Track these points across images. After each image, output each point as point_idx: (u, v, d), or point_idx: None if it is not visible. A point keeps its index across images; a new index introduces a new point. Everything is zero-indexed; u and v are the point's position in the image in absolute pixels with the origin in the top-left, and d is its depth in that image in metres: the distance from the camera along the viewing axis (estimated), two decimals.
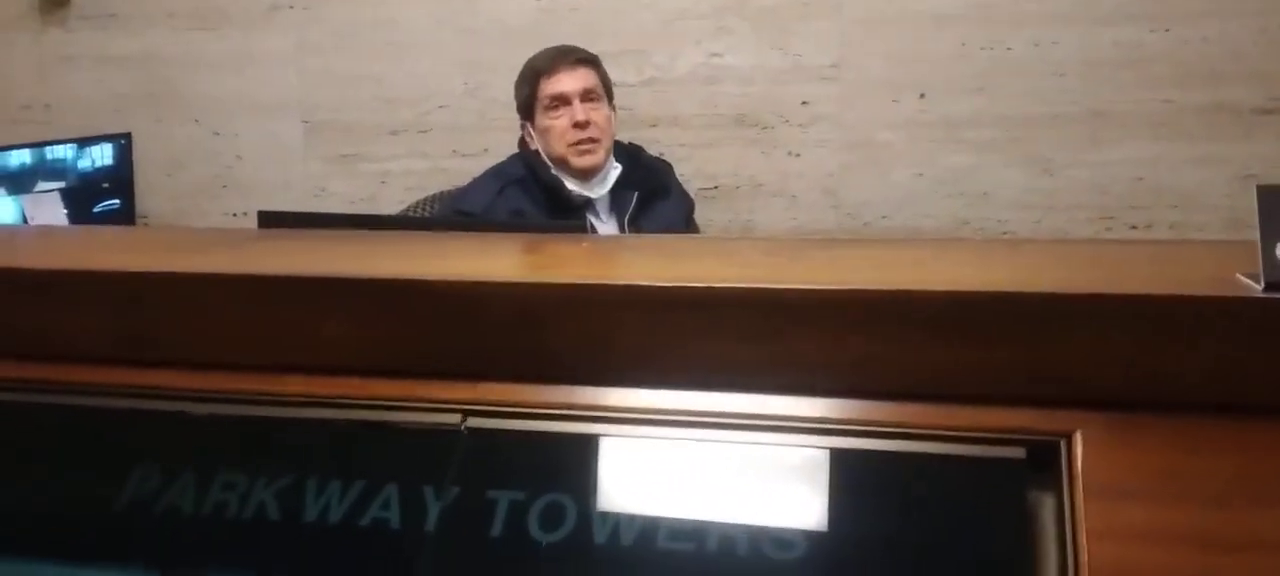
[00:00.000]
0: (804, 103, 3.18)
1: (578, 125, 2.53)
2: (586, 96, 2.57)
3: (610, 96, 2.65)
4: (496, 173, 2.65)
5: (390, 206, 3.25)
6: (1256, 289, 0.86)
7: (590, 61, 2.64)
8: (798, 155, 3.21)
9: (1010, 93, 3.07)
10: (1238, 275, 0.89)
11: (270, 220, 1.44)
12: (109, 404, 1.06)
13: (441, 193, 2.90)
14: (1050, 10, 3.02)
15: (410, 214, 2.89)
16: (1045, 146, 3.08)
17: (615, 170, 2.58)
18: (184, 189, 3.53)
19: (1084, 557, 0.82)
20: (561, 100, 2.56)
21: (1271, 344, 0.86)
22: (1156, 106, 3.01)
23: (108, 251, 1.25)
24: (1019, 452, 0.89)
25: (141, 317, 1.04)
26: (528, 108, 2.63)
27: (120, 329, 1.05)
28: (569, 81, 2.58)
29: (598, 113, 2.57)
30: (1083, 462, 0.86)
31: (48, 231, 2.27)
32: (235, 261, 1.10)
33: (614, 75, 2.73)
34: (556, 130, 2.54)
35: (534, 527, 0.92)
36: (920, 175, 3.16)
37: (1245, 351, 0.86)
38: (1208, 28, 2.95)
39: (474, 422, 0.98)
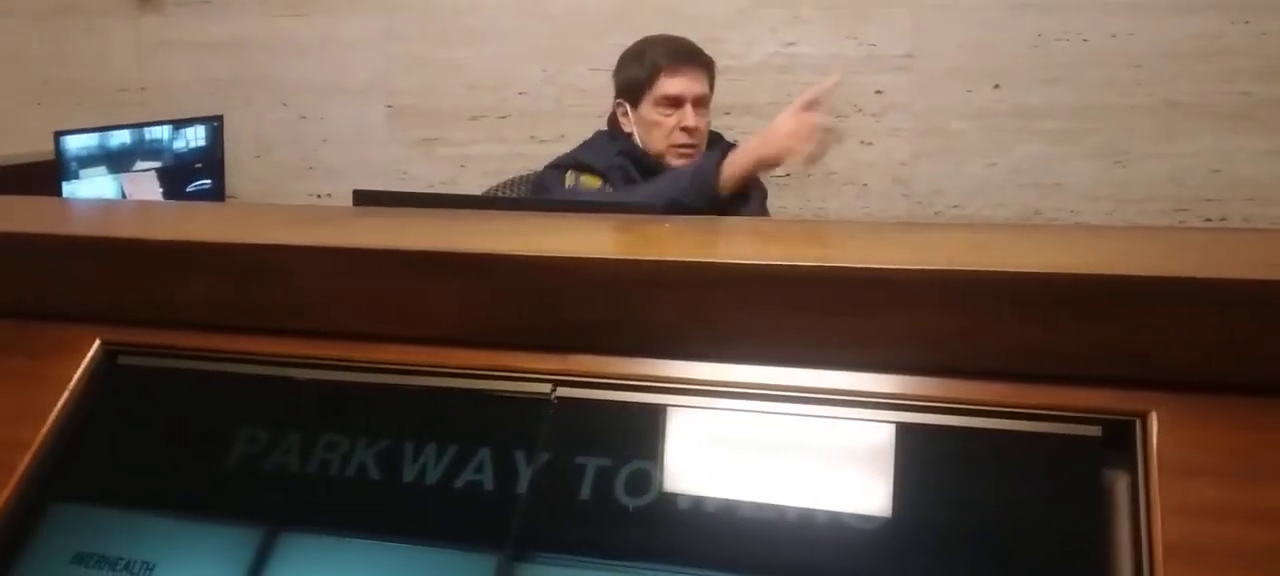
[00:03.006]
0: (877, 92, 3.19)
1: (686, 130, 2.53)
2: (699, 103, 2.54)
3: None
4: (611, 135, 2.62)
5: (469, 190, 3.31)
6: None
7: (710, 67, 2.61)
8: (870, 144, 3.22)
9: (1085, 83, 3.05)
10: None
11: (365, 198, 1.49)
12: (221, 369, 1.10)
13: (520, 177, 2.95)
14: (1128, 0, 3.00)
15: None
16: (1120, 137, 3.06)
17: None
18: (272, 170, 3.62)
19: (1157, 533, 0.83)
20: (676, 101, 2.53)
21: None
22: (1233, 98, 2.97)
23: (221, 225, 1.30)
24: (1095, 431, 0.90)
25: (256, 287, 1.09)
26: (633, 90, 2.59)
27: (235, 298, 1.10)
28: (688, 85, 2.55)
29: (703, 120, 2.56)
30: (1158, 441, 0.87)
31: (160, 206, 2.35)
32: (341, 236, 1.14)
33: None
34: (663, 127, 2.52)
35: (620, 493, 0.96)
36: (993, 165, 3.15)
37: None
38: None
39: (564, 392, 1.01)
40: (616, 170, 2.49)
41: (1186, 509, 0.84)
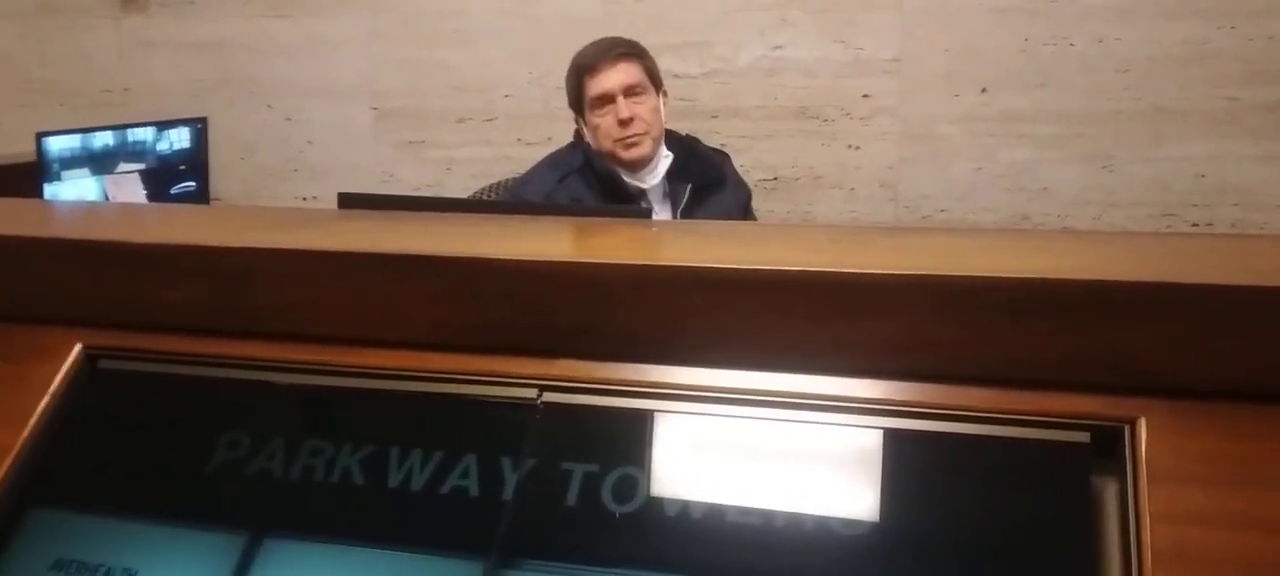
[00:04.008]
0: (865, 95, 3.19)
1: (622, 122, 2.55)
2: (629, 92, 2.58)
3: (658, 84, 2.66)
4: (555, 161, 2.68)
5: (455, 193, 3.32)
6: None
7: (633, 54, 2.64)
8: (857, 148, 3.23)
9: (1072, 88, 3.06)
10: None
11: (350, 201, 1.48)
12: (202, 373, 1.09)
13: (505, 180, 2.95)
14: (1115, 5, 3.01)
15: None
16: (1106, 142, 3.07)
17: (666, 159, 2.61)
18: (256, 172, 3.61)
19: (1146, 539, 0.83)
20: (606, 98, 2.58)
21: None
22: (1220, 103, 2.99)
23: (203, 227, 1.30)
24: (1083, 437, 0.90)
25: (238, 291, 1.08)
26: (577, 104, 2.66)
27: (217, 301, 1.09)
28: (611, 78, 2.59)
29: (641, 106, 2.58)
30: (1146, 447, 0.87)
31: (142, 208, 2.33)
32: (325, 239, 1.14)
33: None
34: (603, 128, 2.57)
35: (607, 498, 0.95)
36: (980, 169, 3.16)
37: None
38: (1273, 25, 2.93)
39: (550, 397, 1.01)
40: (559, 197, 2.52)
41: (1175, 515, 0.84)
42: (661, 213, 2.62)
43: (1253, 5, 2.93)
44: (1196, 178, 3.03)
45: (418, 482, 1.00)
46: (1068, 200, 3.12)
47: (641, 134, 2.56)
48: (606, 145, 2.57)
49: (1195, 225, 3.04)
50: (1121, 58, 3.02)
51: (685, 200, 2.61)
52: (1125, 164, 3.07)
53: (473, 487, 0.98)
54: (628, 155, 2.56)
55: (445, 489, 0.99)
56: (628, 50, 2.64)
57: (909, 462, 0.92)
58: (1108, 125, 3.06)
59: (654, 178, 2.60)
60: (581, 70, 2.63)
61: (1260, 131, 2.97)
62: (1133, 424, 0.89)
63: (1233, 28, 2.95)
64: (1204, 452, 0.87)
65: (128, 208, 2.25)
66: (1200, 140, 3.01)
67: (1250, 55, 2.95)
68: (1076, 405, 0.91)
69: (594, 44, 2.68)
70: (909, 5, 3.14)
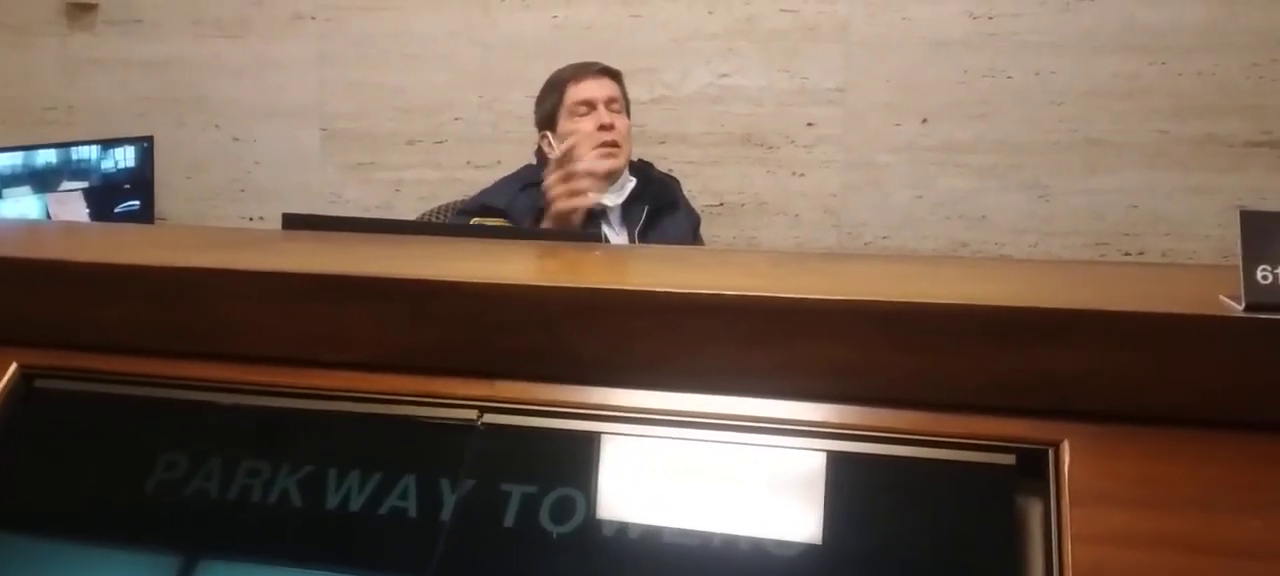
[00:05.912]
0: (809, 124, 3.23)
1: (603, 127, 2.60)
2: (610, 104, 2.65)
3: (628, 111, 2.73)
4: (517, 175, 2.71)
5: (404, 215, 3.30)
6: (1237, 309, 0.90)
7: (614, 74, 2.74)
8: (802, 175, 3.26)
9: (1010, 120, 3.12)
10: (1221, 296, 0.93)
11: (294, 222, 1.48)
12: (140, 393, 1.08)
13: (454, 202, 2.94)
14: (1050, 40, 3.07)
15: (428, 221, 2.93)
16: (1043, 172, 3.13)
17: (631, 182, 2.64)
18: (203, 192, 3.57)
19: (1068, 560, 0.85)
20: (588, 105, 2.64)
21: (1250, 361, 0.89)
22: (1152, 137, 3.06)
23: (142, 247, 1.29)
24: (1008, 459, 0.92)
25: (176, 311, 1.08)
26: (551, 117, 2.69)
27: (155, 321, 1.08)
28: (595, 88, 2.66)
29: (620, 120, 2.65)
30: (1069, 470, 0.89)
31: (82, 227, 2.30)
32: (265, 259, 1.14)
33: None
34: (581, 132, 2.59)
35: (545, 519, 0.96)
36: (920, 197, 3.21)
37: (1226, 368, 0.90)
38: (1202, 62, 3.01)
39: (490, 419, 1.01)
40: (520, 208, 2.54)
41: (1095, 536, 0.86)
42: (619, 234, 2.63)
43: (1182, 43, 3.01)
44: (1129, 208, 3.10)
45: (356, 504, 1.00)
46: (1005, 228, 3.18)
47: (618, 145, 2.60)
48: (582, 150, 2.59)
49: (1127, 254, 3.11)
50: (1057, 91, 3.09)
51: (641, 222, 2.63)
52: (1061, 194, 3.13)
53: (411, 509, 0.98)
54: (602, 166, 2.58)
55: (384, 510, 0.99)
56: (609, 69, 2.74)
57: (841, 483, 0.94)
58: (1044, 156, 3.12)
59: (620, 195, 2.62)
60: (563, 81, 2.69)
61: (1189, 164, 3.05)
62: (1057, 446, 0.91)
63: (1163, 64, 3.03)
64: (1124, 475, 0.89)
65: (67, 226, 2.22)
66: (1132, 171, 3.08)
67: (1180, 90, 3.02)
68: (1003, 428, 0.93)
69: (574, 63, 2.75)
70: (853, 37, 3.19)
